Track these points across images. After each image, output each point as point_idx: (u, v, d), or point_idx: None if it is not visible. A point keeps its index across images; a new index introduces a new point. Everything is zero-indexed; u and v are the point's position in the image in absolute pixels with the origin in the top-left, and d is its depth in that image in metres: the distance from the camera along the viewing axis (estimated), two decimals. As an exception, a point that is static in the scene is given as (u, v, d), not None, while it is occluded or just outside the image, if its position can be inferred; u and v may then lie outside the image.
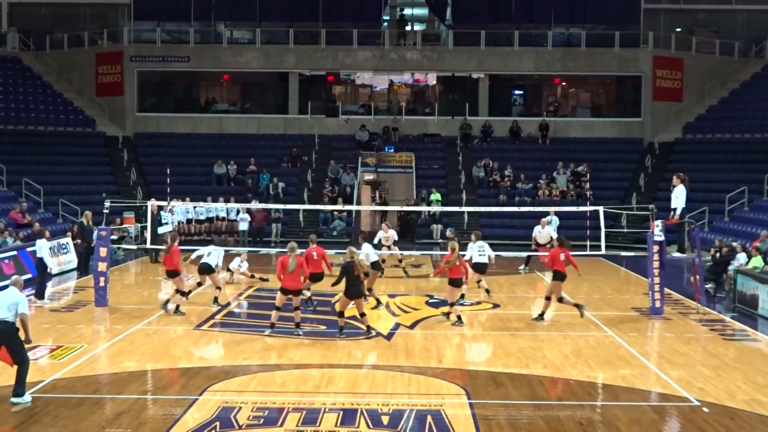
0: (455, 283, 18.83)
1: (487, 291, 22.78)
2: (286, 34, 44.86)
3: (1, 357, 12.64)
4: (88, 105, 44.39)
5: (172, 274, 20.18)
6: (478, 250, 22.48)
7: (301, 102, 44.77)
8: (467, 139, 43.29)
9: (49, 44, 46.20)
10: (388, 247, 25.58)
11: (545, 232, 27.82)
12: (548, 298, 19.59)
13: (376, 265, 21.80)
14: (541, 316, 19.64)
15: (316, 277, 19.88)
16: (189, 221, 35.08)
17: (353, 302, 17.42)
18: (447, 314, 19.45)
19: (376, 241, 25.09)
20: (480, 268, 22.49)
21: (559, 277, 19.33)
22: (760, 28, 46.88)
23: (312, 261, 19.56)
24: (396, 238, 26.49)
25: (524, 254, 29.16)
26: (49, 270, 22.80)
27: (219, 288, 21.46)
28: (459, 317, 19.01)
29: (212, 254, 21.36)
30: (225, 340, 17.25)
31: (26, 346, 12.83)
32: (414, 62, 44.47)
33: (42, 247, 22.20)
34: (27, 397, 12.63)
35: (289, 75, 44.79)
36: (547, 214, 30.23)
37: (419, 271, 28.33)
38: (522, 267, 28.53)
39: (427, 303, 21.91)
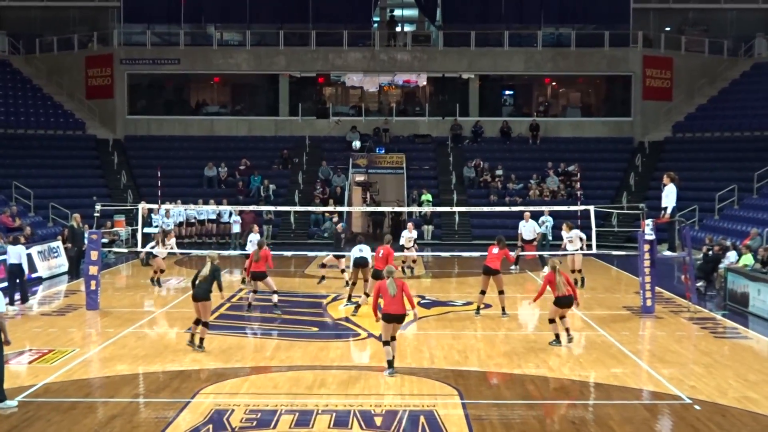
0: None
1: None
2: (276, 36, 44.84)
3: None
4: (78, 108, 44.31)
5: (261, 276, 20.19)
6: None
7: (291, 104, 44.77)
8: (458, 139, 43.33)
9: (38, 47, 46.11)
10: (408, 248, 26.36)
11: (530, 226, 27.91)
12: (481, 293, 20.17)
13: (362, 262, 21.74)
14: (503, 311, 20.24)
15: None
16: (181, 224, 35.06)
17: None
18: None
19: (401, 242, 26.33)
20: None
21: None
22: (749, 26, 47.03)
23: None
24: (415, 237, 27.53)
25: (514, 254, 29.19)
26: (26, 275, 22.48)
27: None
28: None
29: (364, 250, 21.50)
30: (217, 342, 17.22)
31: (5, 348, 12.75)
32: (404, 63, 44.49)
33: (13, 254, 21.49)
34: (10, 402, 12.57)
35: (280, 77, 44.78)
36: (541, 213, 30.32)
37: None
38: (513, 267, 28.56)
39: (419, 304, 21.93)
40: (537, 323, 20.25)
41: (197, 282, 16.26)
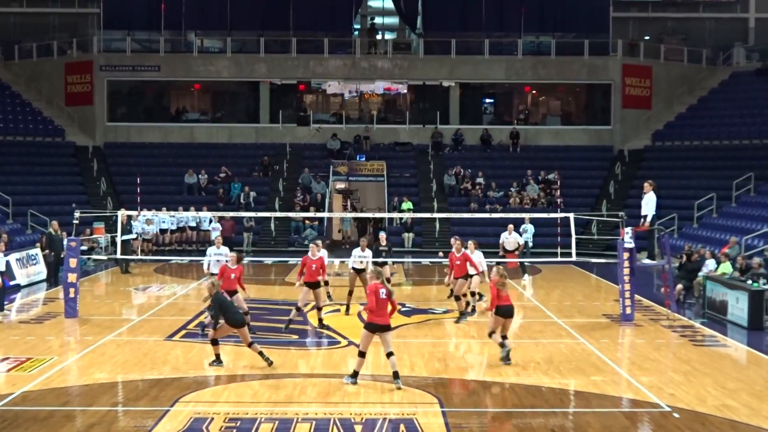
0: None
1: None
2: (256, 43, 44.81)
3: None
4: (57, 114, 44.10)
5: (316, 285, 19.47)
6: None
7: (272, 111, 44.73)
8: (438, 147, 43.39)
9: (18, 53, 45.89)
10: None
11: (512, 238, 27.99)
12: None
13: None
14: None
15: None
16: (164, 231, 34.97)
17: None
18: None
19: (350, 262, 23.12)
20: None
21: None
22: (727, 36, 47.44)
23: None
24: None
25: (493, 261, 29.26)
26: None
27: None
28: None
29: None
30: (197, 350, 17.15)
31: None
32: (385, 71, 44.55)
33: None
34: None
35: (260, 84, 44.73)
36: (521, 221, 30.39)
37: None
38: (526, 278, 28.59)
39: (399, 312, 21.89)
40: (517, 331, 20.27)
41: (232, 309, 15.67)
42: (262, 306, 21.59)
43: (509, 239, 28.04)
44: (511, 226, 28.28)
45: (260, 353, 15.53)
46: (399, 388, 14.03)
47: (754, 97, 42.62)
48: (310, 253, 19.40)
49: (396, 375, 14.19)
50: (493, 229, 34.99)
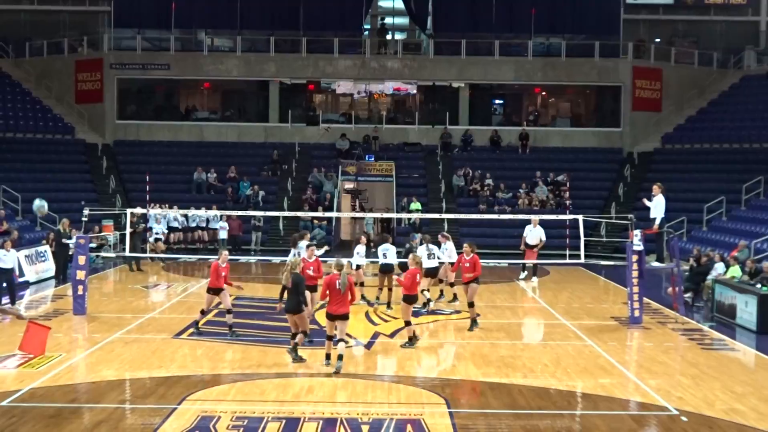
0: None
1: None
2: (266, 43, 44.83)
3: None
4: (67, 112, 44.19)
5: (314, 289, 18.64)
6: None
7: (281, 110, 44.72)
8: (447, 148, 43.35)
9: (28, 51, 45.94)
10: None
11: (537, 232, 27.89)
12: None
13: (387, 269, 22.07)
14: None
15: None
16: (172, 229, 35.03)
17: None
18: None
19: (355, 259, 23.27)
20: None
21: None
22: (738, 39, 47.26)
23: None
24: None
25: (505, 263, 29.37)
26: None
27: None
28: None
29: (389, 253, 21.71)
30: (204, 348, 17.17)
31: None
32: (394, 71, 44.54)
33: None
34: None
35: (270, 83, 44.75)
36: (528, 222, 30.35)
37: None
38: (524, 275, 28.57)
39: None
40: (525, 333, 20.27)
41: (285, 294, 16.14)
42: (268, 305, 21.57)
43: (533, 232, 27.95)
44: (536, 218, 28.18)
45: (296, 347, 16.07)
46: (336, 372, 15.04)
47: (765, 101, 42.44)
48: (306, 257, 18.76)
49: (340, 357, 15.24)
50: (501, 230, 35.14)
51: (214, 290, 18.04)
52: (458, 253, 21.00)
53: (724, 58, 46.60)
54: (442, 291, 23.43)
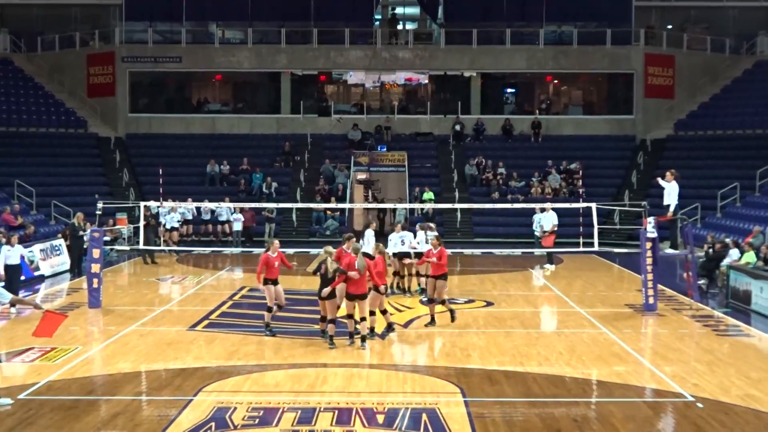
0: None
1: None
2: (278, 34, 44.82)
3: None
4: (79, 106, 44.32)
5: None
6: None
7: (293, 101, 44.77)
8: (459, 137, 43.29)
9: (40, 45, 46.10)
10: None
11: (549, 217, 27.93)
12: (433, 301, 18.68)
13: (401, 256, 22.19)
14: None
15: None
16: (189, 222, 35.12)
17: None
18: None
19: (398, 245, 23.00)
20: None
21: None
22: (751, 24, 46.99)
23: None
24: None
25: (518, 251, 29.38)
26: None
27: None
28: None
29: (405, 240, 21.95)
30: (219, 340, 17.22)
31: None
32: (406, 61, 44.50)
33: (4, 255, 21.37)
34: (3, 400, 12.58)
35: (281, 75, 44.79)
36: (542, 210, 30.33)
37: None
38: (548, 265, 28.53)
39: (421, 302, 21.89)
40: (539, 321, 20.25)
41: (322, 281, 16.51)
42: (287, 296, 21.57)
43: (546, 218, 27.98)
44: (548, 205, 28.24)
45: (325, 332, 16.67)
46: (359, 344, 16.22)
47: (778, 87, 42.30)
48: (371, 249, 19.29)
49: (363, 338, 16.33)
50: (514, 219, 35.10)
51: (272, 281, 17.33)
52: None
53: (737, 43, 46.37)
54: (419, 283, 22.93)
